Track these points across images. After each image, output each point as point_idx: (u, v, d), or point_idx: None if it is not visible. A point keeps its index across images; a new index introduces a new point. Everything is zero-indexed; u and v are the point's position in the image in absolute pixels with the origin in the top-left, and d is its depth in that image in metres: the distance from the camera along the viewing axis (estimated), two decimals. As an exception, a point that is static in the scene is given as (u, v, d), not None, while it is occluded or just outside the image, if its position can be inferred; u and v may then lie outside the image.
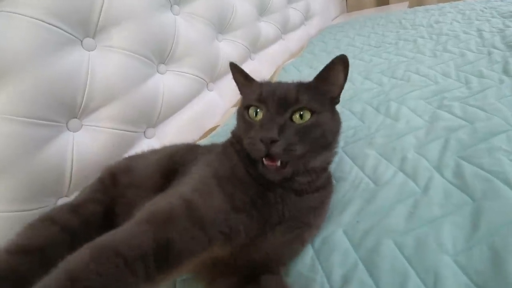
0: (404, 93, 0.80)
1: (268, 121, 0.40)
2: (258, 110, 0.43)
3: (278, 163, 0.40)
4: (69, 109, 0.72)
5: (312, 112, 0.42)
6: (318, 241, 0.45)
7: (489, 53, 0.89)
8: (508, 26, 1.06)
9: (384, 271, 0.37)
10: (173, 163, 0.52)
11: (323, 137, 0.43)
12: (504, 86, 0.71)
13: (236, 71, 0.52)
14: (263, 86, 0.45)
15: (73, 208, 0.50)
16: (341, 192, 0.53)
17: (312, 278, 0.40)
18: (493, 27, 1.09)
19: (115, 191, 0.54)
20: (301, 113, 0.42)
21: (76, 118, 0.75)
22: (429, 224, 0.42)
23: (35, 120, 0.65)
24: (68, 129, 0.73)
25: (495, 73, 0.78)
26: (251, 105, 0.44)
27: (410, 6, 2.18)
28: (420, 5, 2.04)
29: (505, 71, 0.77)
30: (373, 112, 0.76)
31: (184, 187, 0.41)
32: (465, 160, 0.51)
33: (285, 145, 0.39)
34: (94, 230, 0.43)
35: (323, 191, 0.47)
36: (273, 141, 0.38)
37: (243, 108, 0.45)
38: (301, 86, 0.44)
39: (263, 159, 0.40)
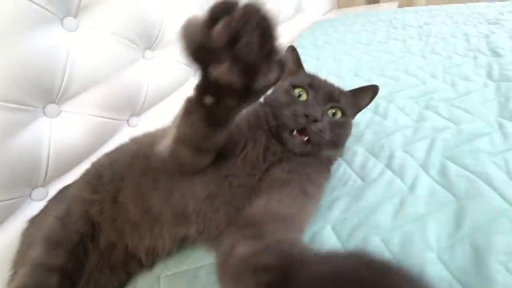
0: (393, 92, 0.81)
1: (315, 104, 0.46)
2: (302, 92, 0.49)
3: (305, 138, 0.45)
4: (46, 93, 0.68)
5: (343, 114, 0.49)
6: (306, 237, 0.44)
7: (475, 57, 0.92)
8: (493, 32, 1.09)
9: (370, 268, 0.38)
10: None
11: (342, 136, 0.50)
12: (488, 90, 0.73)
13: (293, 55, 0.57)
14: (314, 77, 0.53)
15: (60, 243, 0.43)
16: (329, 188, 0.53)
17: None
18: (479, 32, 1.12)
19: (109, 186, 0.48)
20: (335, 111, 0.49)
21: (54, 103, 0.70)
22: (415, 222, 0.42)
23: (7, 104, 0.60)
24: (44, 114, 0.68)
25: (480, 77, 0.80)
26: (299, 86, 0.49)
27: (400, 6, 2.21)
28: (410, 6, 2.07)
29: (489, 76, 0.79)
30: (362, 109, 0.77)
31: None
32: (450, 160, 0.53)
33: (322, 127, 0.45)
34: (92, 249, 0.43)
35: (319, 163, 0.48)
36: (315, 120, 0.44)
37: (290, 85, 0.50)
38: (341, 91, 0.52)
39: (295, 130, 0.45)
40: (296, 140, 0.45)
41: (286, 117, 0.45)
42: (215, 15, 0.23)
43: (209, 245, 0.43)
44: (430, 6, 1.68)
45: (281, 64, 0.27)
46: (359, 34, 1.46)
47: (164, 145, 0.40)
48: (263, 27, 0.24)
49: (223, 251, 0.31)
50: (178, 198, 0.42)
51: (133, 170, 0.46)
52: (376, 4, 2.45)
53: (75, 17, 0.73)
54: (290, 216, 0.37)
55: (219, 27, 0.23)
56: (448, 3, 1.73)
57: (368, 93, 0.57)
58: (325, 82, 0.53)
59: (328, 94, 0.49)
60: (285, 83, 0.53)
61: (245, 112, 0.52)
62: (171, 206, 0.42)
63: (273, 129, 0.47)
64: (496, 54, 0.91)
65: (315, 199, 0.44)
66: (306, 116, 0.44)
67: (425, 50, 1.06)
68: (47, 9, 0.67)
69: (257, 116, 0.50)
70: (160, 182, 0.43)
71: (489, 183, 0.46)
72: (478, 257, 0.36)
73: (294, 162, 0.45)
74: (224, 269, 0.30)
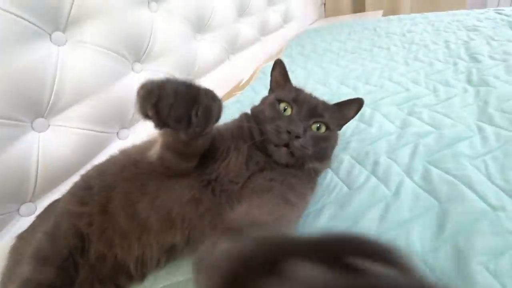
0: (378, 99, 0.83)
1: (297, 120, 0.47)
2: (287, 107, 0.50)
3: (290, 150, 0.46)
4: (35, 107, 0.68)
5: (327, 128, 0.51)
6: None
7: (455, 64, 0.95)
8: (472, 39, 1.13)
9: (357, 274, 0.38)
10: None
11: (326, 149, 0.52)
12: (468, 95, 0.75)
13: (280, 69, 0.59)
14: (299, 92, 0.54)
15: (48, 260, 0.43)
16: (316, 196, 0.54)
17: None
18: (459, 39, 1.16)
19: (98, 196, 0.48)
20: (319, 125, 0.50)
21: (43, 117, 0.70)
22: (400, 227, 0.44)
23: (-4, 119, 0.60)
24: (33, 129, 0.68)
25: (459, 82, 0.83)
26: (284, 101, 0.51)
27: (385, 15, 2.28)
28: (394, 14, 2.14)
29: (469, 81, 0.83)
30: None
31: None
32: (432, 164, 0.54)
33: (304, 143, 0.46)
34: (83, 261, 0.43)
35: (303, 174, 0.49)
36: (297, 137, 0.45)
37: (275, 99, 0.52)
38: (326, 105, 0.54)
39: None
40: (282, 151, 0.46)
41: (270, 132, 0.47)
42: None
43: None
44: (412, 14, 1.74)
45: (207, 111, 0.34)
46: (345, 42, 1.49)
47: (154, 150, 0.44)
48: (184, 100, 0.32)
49: (203, 250, 0.30)
50: (163, 201, 0.43)
51: (122, 178, 0.46)
52: (362, 13, 2.51)
53: (63, 32, 0.74)
54: (271, 223, 0.37)
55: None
56: (430, 11, 1.79)
57: (353, 106, 0.58)
58: (310, 96, 0.54)
59: (312, 109, 0.50)
60: (270, 97, 0.54)
61: (230, 123, 0.54)
62: (157, 210, 0.43)
63: (257, 141, 0.48)
64: (474, 60, 0.95)
65: (296, 207, 0.44)
66: (289, 132, 0.45)
67: (408, 57, 1.10)
68: (36, 25, 0.67)
69: (240, 128, 0.51)
70: (148, 187, 0.44)
71: (470, 186, 0.47)
72: (460, 259, 0.37)
73: (277, 171, 0.46)
74: (202, 265, 0.29)
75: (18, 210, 0.66)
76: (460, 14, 1.53)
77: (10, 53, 0.63)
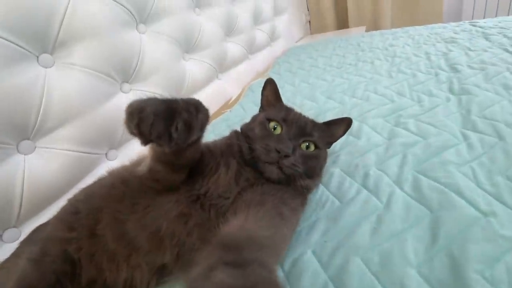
0: (364, 112, 0.84)
1: (286, 139, 0.48)
2: (277, 126, 0.51)
3: (278, 168, 0.47)
4: (21, 130, 0.67)
5: (316, 147, 0.52)
6: (288, 263, 0.44)
7: (436, 74, 0.99)
8: (451, 50, 1.18)
9: (353, 289, 0.38)
10: None
11: (316, 167, 0.52)
12: (451, 103, 0.78)
13: (272, 88, 0.60)
14: (289, 111, 0.56)
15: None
16: (308, 211, 0.53)
17: (283, 301, 0.39)
18: (438, 51, 1.21)
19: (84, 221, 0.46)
20: (308, 144, 0.51)
21: (29, 139, 0.69)
22: (393, 239, 0.43)
23: (-21, 144, 0.59)
24: (18, 151, 0.67)
25: (442, 92, 0.86)
26: (274, 120, 0.52)
27: (367, 30, 2.37)
28: (376, 29, 2.22)
29: (451, 90, 0.85)
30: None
31: None
32: (421, 174, 0.55)
33: (293, 161, 0.47)
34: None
35: (293, 190, 0.49)
36: (286, 156, 0.46)
37: (265, 118, 0.53)
38: (315, 124, 0.55)
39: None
40: (273, 168, 0.47)
41: (259, 150, 0.48)
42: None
43: (186, 279, 0.42)
44: (393, 29, 1.81)
45: (186, 125, 0.35)
46: (331, 58, 1.54)
47: (143, 164, 0.45)
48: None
49: (198, 272, 0.29)
50: (152, 218, 0.42)
51: (110, 198, 0.45)
52: (346, 29, 2.60)
53: (51, 54, 0.74)
54: (268, 239, 0.37)
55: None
56: (409, 25, 1.87)
57: (342, 125, 0.59)
58: (299, 115, 0.56)
59: (301, 129, 0.51)
60: (261, 115, 0.55)
61: (220, 140, 0.55)
62: (145, 228, 0.42)
63: (247, 158, 0.49)
64: (454, 70, 0.98)
65: (290, 223, 0.44)
66: (278, 151, 0.46)
67: (391, 70, 1.13)
68: (23, 47, 0.67)
69: (230, 145, 0.51)
70: (137, 205, 0.44)
71: (459, 193, 0.48)
72: (456, 268, 0.37)
73: (268, 186, 0.46)
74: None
75: (1, 236, 0.63)
76: (438, 27, 1.60)
77: (-3, 76, 0.62)
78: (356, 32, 2.19)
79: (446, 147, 0.61)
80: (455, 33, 1.41)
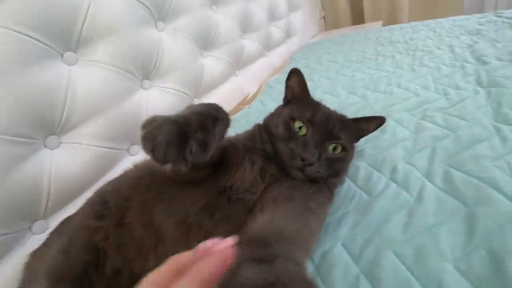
0: (388, 106, 0.82)
1: (312, 145, 0.46)
2: (302, 126, 0.49)
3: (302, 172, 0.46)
4: (47, 125, 0.68)
5: (343, 149, 0.50)
6: (317, 256, 0.43)
7: (462, 67, 0.95)
8: (476, 42, 1.13)
9: (387, 283, 0.37)
10: None
11: (342, 168, 0.52)
12: (480, 96, 0.75)
13: (297, 79, 0.55)
14: (316, 109, 0.52)
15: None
16: (335, 205, 0.52)
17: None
18: (463, 43, 1.16)
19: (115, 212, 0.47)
20: (335, 146, 0.49)
21: (55, 135, 0.71)
22: (426, 233, 0.42)
23: (9, 137, 0.60)
24: (45, 146, 0.69)
25: (470, 85, 0.82)
26: (299, 120, 0.49)
27: (384, 25, 2.31)
28: (393, 24, 2.17)
29: (479, 83, 0.82)
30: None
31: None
32: (453, 167, 0.53)
33: (317, 169, 0.46)
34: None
35: (319, 185, 0.48)
36: (311, 164, 0.45)
37: (290, 117, 0.50)
38: (343, 123, 0.51)
39: None
40: (297, 172, 0.47)
41: (283, 153, 0.47)
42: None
43: None
44: (413, 23, 1.76)
45: (202, 145, 0.36)
46: (349, 53, 1.51)
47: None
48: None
49: (227, 272, 0.29)
50: (179, 207, 0.43)
51: (138, 189, 0.46)
52: (361, 25, 2.55)
53: (74, 52, 0.76)
54: (297, 234, 0.37)
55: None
56: (427, 19, 1.81)
57: (374, 122, 0.56)
58: (327, 115, 0.51)
59: (328, 132, 0.49)
60: (285, 111, 0.53)
61: (242, 134, 0.54)
62: (173, 216, 0.42)
63: (271, 155, 0.49)
64: (482, 62, 0.94)
65: (319, 217, 0.44)
66: (303, 159, 0.45)
67: (414, 64, 1.10)
68: (48, 45, 0.69)
69: (252, 139, 0.51)
70: (164, 194, 0.44)
71: (496, 187, 0.46)
72: (496, 263, 0.35)
73: (293, 181, 0.46)
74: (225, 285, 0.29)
75: (30, 227, 0.65)
76: (461, 19, 1.54)
77: (24, 73, 0.64)
78: (372, 28, 2.14)
79: (478, 140, 0.58)
80: (480, 24, 1.35)
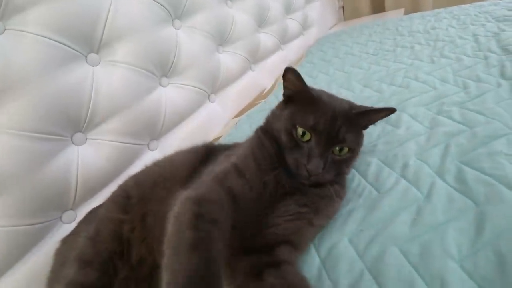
0: (404, 100, 0.80)
1: (316, 155, 0.46)
2: (305, 132, 0.47)
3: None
4: (74, 123, 0.74)
5: (349, 149, 0.49)
6: (324, 250, 0.45)
7: (486, 58, 0.91)
8: (503, 30, 1.07)
9: (391, 279, 0.37)
10: (209, 152, 0.58)
11: (349, 168, 0.53)
12: (502, 89, 0.71)
13: (293, 77, 0.50)
14: (319, 112, 0.48)
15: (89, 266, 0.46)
16: (344, 200, 0.53)
17: None
18: (488, 31, 1.10)
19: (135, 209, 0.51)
20: (342, 147, 0.48)
21: (81, 132, 0.76)
22: (434, 230, 0.42)
23: (41, 135, 0.66)
24: (73, 143, 0.74)
25: (492, 77, 0.78)
26: (301, 127, 0.48)
27: (406, 13, 2.22)
28: (416, 12, 2.07)
29: (502, 75, 0.78)
30: (374, 119, 0.77)
31: (232, 157, 0.50)
32: (466, 164, 0.52)
33: (322, 177, 0.47)
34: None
35: (332, 187, 0.50)
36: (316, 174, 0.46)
37: (292, 125, 0.48)
38: (350, 121, 0.49)
39: None
40: (304, 180, 0.48)
41: (290, 163, 0.48)
42: None
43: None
44: (436, 10, 1.68)
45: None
46: (367, 45, 1.47)
47: None
48: None
49: (245, 271, 0.35)
50: None
51: (156, 193, 0.49)
52: (382, 13, 2.46)
53: (97, 53, 0.80)
54: (296, 240, 0.44)
55: None
56: (453, 5, 1.72)
57: (384, 112, 0.53)
58: (332, 116, 0.48)
59: (333, 137, 0.47)
60: (285, 112, 0.51)
61: (248, 149, 0.51)
62: None
63: (277, 166, 0.49)
64: (508, 51, 0.89)
65: (320, 227, 0.48)
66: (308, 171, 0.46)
67: (433, 55, 1.06)
68: (73, 48, 0.74)
69: (261, 148, 0.50)
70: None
71: (510, 186, 0.44)
72: (503, 265, 0.35)
73: (308, 193, 0.48)
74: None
75: (60, 217, 0.71)
76: (488, 5, 1.45)
77: (53, 76, 0.69)
78: (393, 16, 2.06)
79: (495, 136, 0.56)
80: (509, 10, 1.27)
